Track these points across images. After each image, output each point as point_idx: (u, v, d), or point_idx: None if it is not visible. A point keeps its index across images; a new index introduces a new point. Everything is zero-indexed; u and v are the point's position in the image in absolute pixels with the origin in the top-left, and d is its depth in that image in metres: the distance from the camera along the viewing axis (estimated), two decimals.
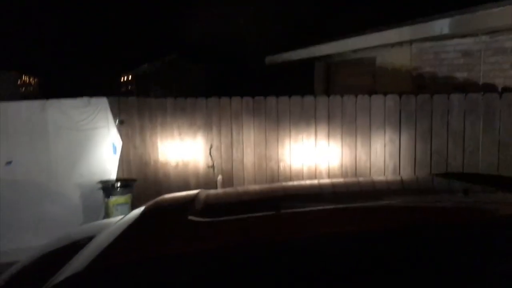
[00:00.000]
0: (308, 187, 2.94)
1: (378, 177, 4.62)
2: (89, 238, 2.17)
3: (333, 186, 2.93)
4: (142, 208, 2.35)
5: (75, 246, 2.14)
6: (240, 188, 3.36)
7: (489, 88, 4.91)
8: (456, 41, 5.54)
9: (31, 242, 5.33)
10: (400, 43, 6.12)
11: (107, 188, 5.55)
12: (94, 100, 5.95)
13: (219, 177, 5.61)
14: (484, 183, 2.63)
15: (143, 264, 1.66)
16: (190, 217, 1.98)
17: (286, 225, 1.83)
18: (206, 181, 5.80)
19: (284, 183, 4.42)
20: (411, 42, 5.97)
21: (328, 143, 5.23)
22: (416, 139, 4.84)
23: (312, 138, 5.29)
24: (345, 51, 7.25)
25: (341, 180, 4.36)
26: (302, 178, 5.39)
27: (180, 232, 1.86)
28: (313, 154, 5.31)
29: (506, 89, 4.72)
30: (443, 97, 4.73)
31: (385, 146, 4.98)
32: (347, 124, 5.13)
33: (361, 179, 4.05)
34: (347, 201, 2.31)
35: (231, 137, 5.68)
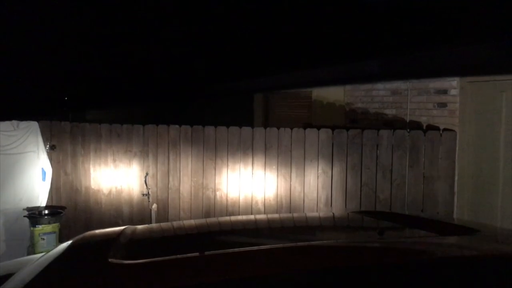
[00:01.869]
0: (242, 223, 2.86)
1: (296, 214, 4.72)
2: (6, 277, 2.03)
3: (257, 223, 2.91)
4: (65, 245, 2.22)
5: None
6: (169, 224, 3.22)
7: (415, 125, 5.23)
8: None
9: None
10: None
11: (33, 215, 5.26)
12: (24, 124, 5.70)
13: (154, 206, 5.50)
14: (396, 221, 2.75)
15: None
16: (111, 259, 1.83)
17: (213, 267, 1.77)
18: (140, 210, 5.68)
19: (218, 218, 4.35)
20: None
21: (265, 174, 5.31)
22: (347, 172, 5.04)
23: (249, 168, 5.36)
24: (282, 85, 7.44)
25: (264, 217, 4.39)
26: (239, 207, 5.41)
27: (97, 276, 1.75)
28: (249, 183, 5.37)
29: (429, 127, 5.05)
30: (373, 132, 4.99)
31: (318, 177, 5.14)
32: (283, 155, 5.25)
33: (272, 216, 4.14)
34: (267, 240, 2.31)
35: (168, 165, 5.62)
